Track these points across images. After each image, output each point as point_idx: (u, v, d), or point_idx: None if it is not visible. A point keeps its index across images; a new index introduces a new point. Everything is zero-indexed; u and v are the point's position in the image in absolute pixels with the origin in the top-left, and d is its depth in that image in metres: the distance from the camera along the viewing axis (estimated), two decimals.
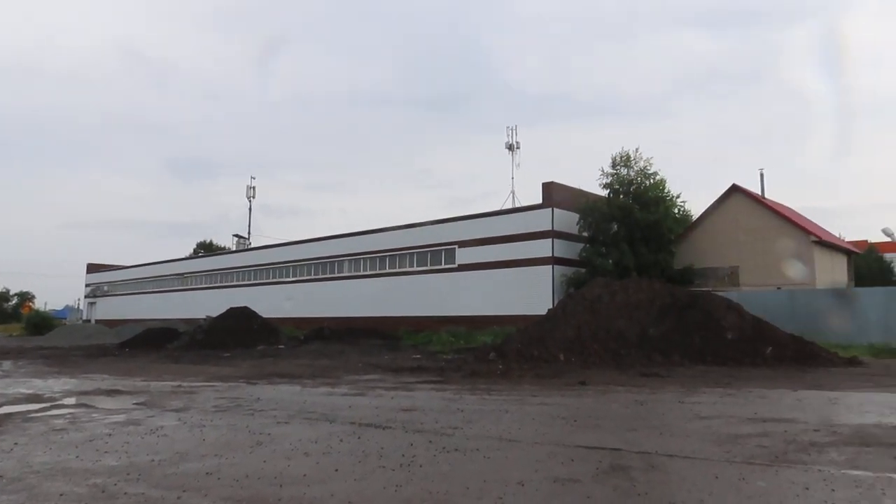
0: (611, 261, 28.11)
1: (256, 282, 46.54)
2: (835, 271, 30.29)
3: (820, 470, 5.31)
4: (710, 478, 5.14)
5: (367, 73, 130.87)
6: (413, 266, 35.80)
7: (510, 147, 38.96)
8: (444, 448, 6.37)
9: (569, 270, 29.33)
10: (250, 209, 58.30)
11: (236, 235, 56.80)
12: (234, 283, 48.57)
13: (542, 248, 29.87)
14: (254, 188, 58.90)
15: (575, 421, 8.12)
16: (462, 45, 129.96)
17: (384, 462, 5.77)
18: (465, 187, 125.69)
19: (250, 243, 55.37)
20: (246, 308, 30.61)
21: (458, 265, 33.22)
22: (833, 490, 4.72)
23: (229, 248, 59.64)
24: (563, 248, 29.99)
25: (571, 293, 22.37)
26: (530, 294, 29.06)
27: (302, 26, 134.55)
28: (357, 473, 5.40)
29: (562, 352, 17.31)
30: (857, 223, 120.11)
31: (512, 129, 39.15)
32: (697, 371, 14.60)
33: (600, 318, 18.37)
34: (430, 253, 34.88)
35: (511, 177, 39.11)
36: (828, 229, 34.58)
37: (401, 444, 6.62)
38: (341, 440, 6.86)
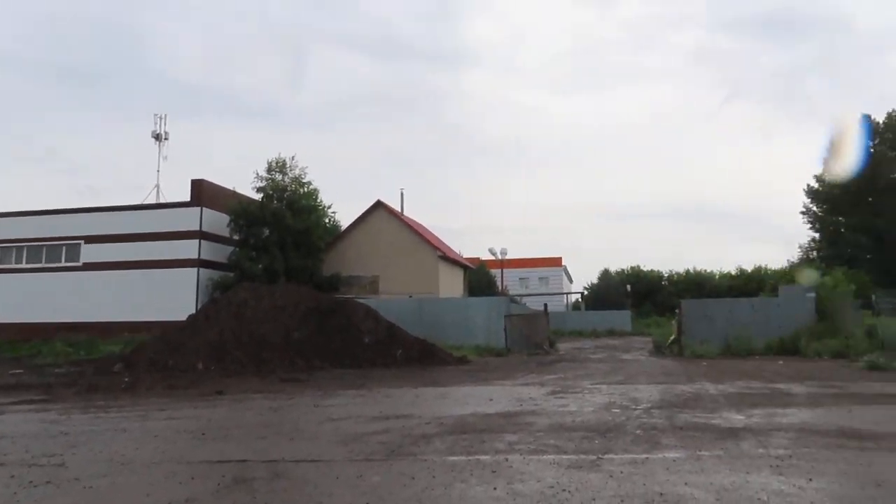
0: (261, 265, 27.87)
1: None
2: (454, 283, 35.28)
3: (425, 459, 5.96)
4: (332, 479, 5.31)
5: None
6: (21, 262, 29.86)
7: (157, 137, 35.41)
8: (30, 482, 5.27)
9: (216, 274, 28.04)
10: None
11: None
12: None
13: (188, 248, 27.95)
14: None
15: (203, 434, 7.63)
16: (107, 17, 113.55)
17: None
18: (103, 176, 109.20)
19: None
20: None
21: (84, 264, 28.89)
22: (434, 476, 5.31)
23: None
24: (211, 251, 28.53)
25: (216, 297, 21.38)
26: (172, 298, 26.83)
27: None
28: None
29: (201, 360, 16.35)
30: (472, 243, 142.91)
31: (160, 118, 35.69)
32: (336, 374, 15.28)
33: (245, 324, 17.92)
34: (45, 248, 29.58)
35: (157, 170, 35.08)
36: (451, 246, 40.21)
37: None
38: None
